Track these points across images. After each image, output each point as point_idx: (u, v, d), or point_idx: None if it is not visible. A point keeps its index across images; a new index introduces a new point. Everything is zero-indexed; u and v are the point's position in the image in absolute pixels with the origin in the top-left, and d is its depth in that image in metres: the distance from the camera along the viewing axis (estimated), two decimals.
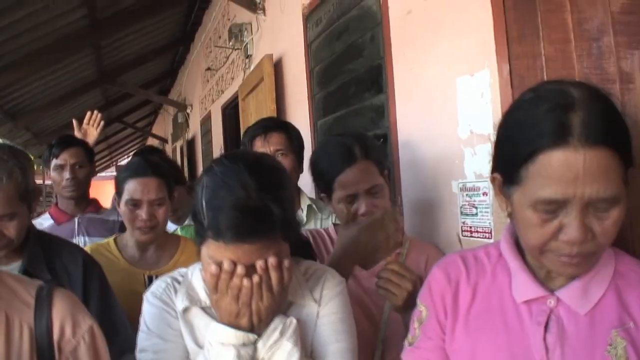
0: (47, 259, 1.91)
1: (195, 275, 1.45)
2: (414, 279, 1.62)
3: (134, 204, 2.24)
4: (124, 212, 2.27)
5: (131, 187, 2.24)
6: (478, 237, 1.88)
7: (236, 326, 1.30)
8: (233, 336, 1.29)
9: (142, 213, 2.23)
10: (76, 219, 3.04)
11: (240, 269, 1.25)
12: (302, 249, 1.60)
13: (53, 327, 1.20)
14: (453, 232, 2.01)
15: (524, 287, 1.18)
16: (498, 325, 1.19)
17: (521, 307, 1.18)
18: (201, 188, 1.31)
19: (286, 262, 1.29)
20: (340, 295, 1.47)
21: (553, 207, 1.02)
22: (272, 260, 1.26)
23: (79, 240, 2.94)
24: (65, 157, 3.02)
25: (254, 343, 1.31)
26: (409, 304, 1.56)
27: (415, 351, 1.32)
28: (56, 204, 3.14)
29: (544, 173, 1.00)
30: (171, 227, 3.20)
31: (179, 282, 1.46)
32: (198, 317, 1.40)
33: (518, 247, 1.23)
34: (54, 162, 3.04)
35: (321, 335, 1.41)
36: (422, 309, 1.32)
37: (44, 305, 1.22)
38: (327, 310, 1.43)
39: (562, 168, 0.99)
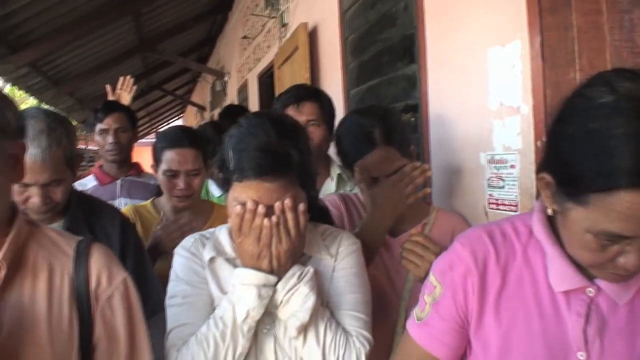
0: (87, 220, 2.00)
1: (222, 232, 1.60)
2: (438, 252, 1.63)
3: (172, 174, 2.32)
4: (162, 181, 2.36)
5: (168, 157, 2.31)
6: (504, 210, 1.87)
7: (257, 268, 1.42)
8: (254, 277, 1.41)
9: (180, 182, 2.31)
10: (118, 181, 3.15)
11: (261, 208, 1.38)
12: (321, 214, 1.71)
13: (90, 276, 1.27)
14: (479, 204, 2.00)
15: (563, 276, 1.11)
16: (533, 312, 1.13)
17: (558, 296, 1.12)
18: (228, 138, 1.48)
19: (301, 206, 1.42)
20: (355, 253, 1.58)
21: (617, 238, 0.95)
22: (287, 202, 1.39)
23: (120, 202, 3.05)
24: (109, 122, 3.13)
25: (274, 285, 1.42)
26: None
27: (425, 328, 1.26)
28: (100, 166, 3.26)
29: (619, 209, 0.90)
30: (216, 192, 3.26)
31: (206, 238, 1.59)
32: (223, 268, 1.53)
33: (551, 227, 1.14)
34: (98, 126, 3.15)
35: (337, 286, 1.52)
36: (436, 285, 1.24)
37: (83, 257, 1.29)
38: (342, 264, 1.55)
39: None
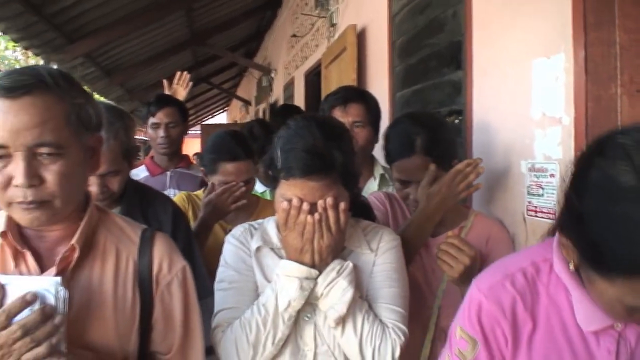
0: (141, 208, 2.13)
1: (270, 223, 1.72)
2: (473, 255, 1.72)
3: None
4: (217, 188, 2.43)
5: (225, 169, 2.39)
6: (542, 217, 1.92)
7: (300, 262, 1.52)
8: (297, 270, 1.51)
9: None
10: (168, 173, 3.28)
11: (305, 206, 1.49)
12: (363, 211, 1.82)
13: (153, 263, 1.38)
14: (518, 210, 2.05)
15: (591, 317, 1.11)
16: (564, 352, 1.14)
17: (587, 334, 1.13)
18: (277, 138, 1.59)
19: (342, 205, 1.51)
20: (395, 249, 1.67)
21: None
22: (329, 200, 1.49)
23: (170, 192, 3.16)
24: (160, 116, 3.24)
25: (315, 279, 1.52)
26: (465, 277, 1.66)
27: None
28: (151, 157, 3.39)
29: None
30: (260, 188, 3.37)
31: (255, 228, 1.71)
32: (268, 257, 1.65)
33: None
34: (150, 120, 3.27)
35: (376, 280, 1.62)
36: (468, 340, 1.23)
37: (147, 244, 1.40)
38: (382, 259, 1.64)
39: None
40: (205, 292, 1.92)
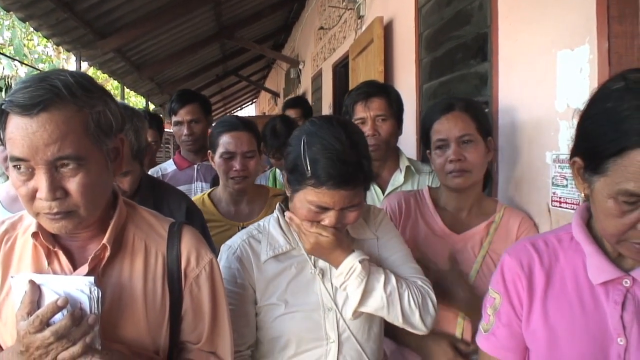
0: (155, 204, 2.15)
1: (272, 225, 1.75)
2: None
3: (229, 156, 2.47)
4: (219, 164, 2.50)
5: (225, 140, 2.47)
6: (567, 208, 1.94)
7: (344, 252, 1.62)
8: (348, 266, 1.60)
9: (236, 164, 2.46)
10: (195, 166, 3.35)
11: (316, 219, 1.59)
12: None
13: (181, 257, 1.42)
14: (543, 200, 2.08)
15: (600, 269, 1.22)
16: (575, 306, 1.25)
17: (597, 289, 1.23)
18: (302, 144, 1.55)
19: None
20: (385, 218, 1.83)
21: (634, 200, 1.06)
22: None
23: (197, 185, 3.26)
24: (182, 114, 3.31)
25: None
26: None
27: (491, 338, 1.39)
28: (179, 151, 3.46)
29: (631, 169, 1.04)
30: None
31: (256, 239, 1.73)
32: (274, 265, 1.69)
33: (589, 230, 1.28)
34: (173, 118, 3.34)
35: (386, 250, 1.73)
36: (495, 296, 1.38)
37: (175, 238, 1.43)
38: (381, 232, 1.76)
39: None
40: None
